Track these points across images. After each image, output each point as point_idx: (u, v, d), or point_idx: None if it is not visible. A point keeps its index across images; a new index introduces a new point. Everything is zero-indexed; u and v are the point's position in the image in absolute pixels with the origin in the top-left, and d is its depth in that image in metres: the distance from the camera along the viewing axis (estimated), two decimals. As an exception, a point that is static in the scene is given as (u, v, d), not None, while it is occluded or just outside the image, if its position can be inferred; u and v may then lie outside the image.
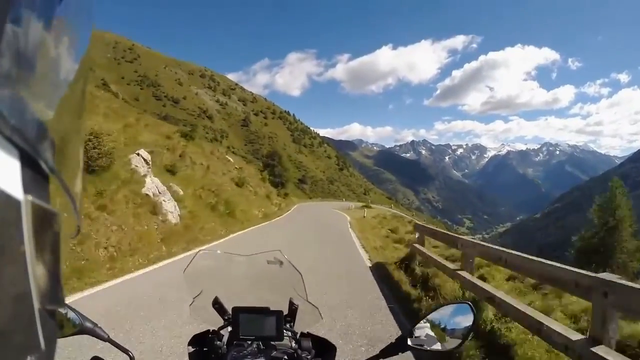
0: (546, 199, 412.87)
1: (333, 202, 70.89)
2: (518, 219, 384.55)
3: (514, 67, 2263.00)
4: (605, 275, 2.96)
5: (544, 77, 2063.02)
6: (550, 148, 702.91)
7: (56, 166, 0.28)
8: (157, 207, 12.85)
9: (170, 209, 13.50)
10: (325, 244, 13.09)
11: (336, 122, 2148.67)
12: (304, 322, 1.44)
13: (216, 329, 1.40)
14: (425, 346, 1.18)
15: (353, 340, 4.52)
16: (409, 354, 1.47)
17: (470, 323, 1.18)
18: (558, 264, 3.61)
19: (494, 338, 4.50)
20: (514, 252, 4.64)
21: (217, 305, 1.43)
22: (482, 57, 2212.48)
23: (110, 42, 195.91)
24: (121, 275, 7.91)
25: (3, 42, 0.22)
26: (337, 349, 1.39)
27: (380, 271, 8.61)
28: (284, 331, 1.33)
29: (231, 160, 37.78)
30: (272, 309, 1.30)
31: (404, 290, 6.96)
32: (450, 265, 6.63)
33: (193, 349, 1.39)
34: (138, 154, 14.62)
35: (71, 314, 1.16)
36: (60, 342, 0.40)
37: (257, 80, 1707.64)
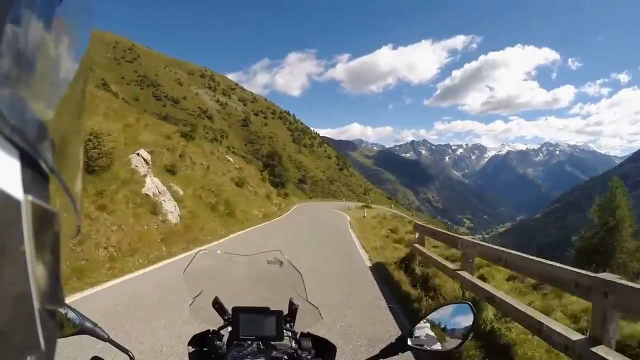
0: (546, 199, 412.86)
1: (333, 202, 70.84)
2: (518, 219, 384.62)
3: (514, 67, 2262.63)
4: (605, 275, 2.97)
5: (544, 77, 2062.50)
6: (550, 148, 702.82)
7: (56, 166, 0.28)
8: (157, 207, 12.85)
9: (170, 209, 13.51)
10: (325, 244, 13.10)
11: (336, 122, 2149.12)
12: (304, 322, 1.43)
13: (216, 329, 1.40)
14: (425, 346, 1.18)
15: (353, 340, 4.51)
16: (409, 354, 1.45)
17: (470, 323, 1.18)
18: (558, 264, 3.61)
19: (494, 338, 4.50)
20: (513, 252, 4.64)
21: (217, 305, 1.43)
22: (482, 57, 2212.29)
23: (110, 42, 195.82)
24: (121, 276, 7.91)
25: (3, 42, 0.22)
26: (337, 349, 1.38)
27: (380, 271, 8.62)
28: (284, 331, 1.33)
29: (231, 160, 37.79)
30: (272, 309, 1.30)
31: (404, 290, 6.96)
32: (450, 265, 6.64)
33: (193, 349, 1.39)
34: (138, 154, 14.63)
35: (71, 314, 1.16)
36: (60, 342, 0.40)
37: (257, 80, 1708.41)
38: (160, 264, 9.27)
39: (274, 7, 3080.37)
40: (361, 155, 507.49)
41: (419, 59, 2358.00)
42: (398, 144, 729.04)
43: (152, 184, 13.64)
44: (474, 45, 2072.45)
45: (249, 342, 1.32)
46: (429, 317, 1.22)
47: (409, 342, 1.18)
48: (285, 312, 1.38)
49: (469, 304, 1.21)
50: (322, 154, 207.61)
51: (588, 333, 3.07)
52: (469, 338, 1.37)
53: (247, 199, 26.65)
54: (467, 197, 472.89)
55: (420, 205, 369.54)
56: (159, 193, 13.65)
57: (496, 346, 4.29)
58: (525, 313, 3.89)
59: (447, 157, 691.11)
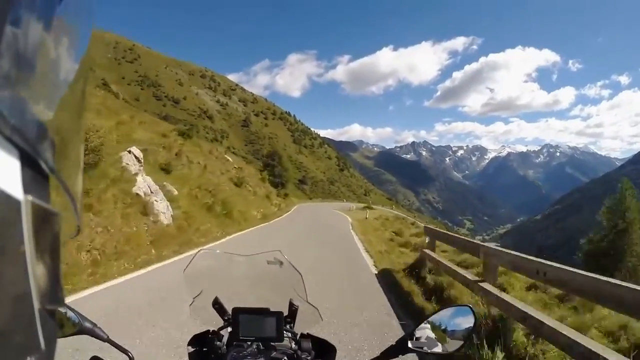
0: (546, 200, 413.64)
1: (333, 203, 70.21)
2: (518, 220, 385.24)
3: (515, 69, 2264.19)
4: None
5: (544, 78, 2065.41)
6: (551, 150, 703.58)
7: (56, 166, 0.28)
8: (148, 208, 12.10)
9: (163, 209, 12.75)
10: (327, 248, 12.32)
11: (336, 123, 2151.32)
12: (304, 323, 1.43)
13: (216, 329, 1.39)
14: (426, 348, 1.18)
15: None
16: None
17: (471, 325, 1.18)
18: (625, 283, 2.85)
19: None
20: (555, 264, 3.89)
21: (217, 305, 1.42)
22: (482, 59, 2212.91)
23: (111, 42, 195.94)
24: (103, 282, 7.16)
25: (3, 42, 0.22)
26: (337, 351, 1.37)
27: (387, 279, 7.85)
28: (284, 332, 1.33)
29: (230, 159, 37.01)
30: (272, 309, 1.31)
31: (417, 303, 6.19)
32: (469, 275, 5.89)
33: (193, 349, 1.38)
34: (129, 152, 13.88)
35: (70, 314, 1.17)
36: (60, 342, 0.40)
37: (258, 81, 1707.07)
38: (148, 268, 8.51)
39: (274, 8, 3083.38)
40: (361, 156, 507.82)
41: (420, 61, 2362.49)
42: (398, 145, 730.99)
43: (143, 183, 12.89)
44: (475, 47, 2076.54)
45: (249, 343, 1.32)
46: (430, 319, 1.21)
47: (410, 345, 1.18)
48: (285, 312, 1.38)
49: (469, 307, 1.21)
50: (322, 154, 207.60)
51: None
52: (470, 340, 1.39)
53: (245, 199, 25.87)
54: (467, 198, 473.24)
55: (420, 206, 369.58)
56: (151, 192, 12.90)
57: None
58: (564, 335, 3.24)
59: (447, 159, 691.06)
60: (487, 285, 5.21)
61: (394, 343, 1.19)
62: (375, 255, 10.61)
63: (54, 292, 0.28)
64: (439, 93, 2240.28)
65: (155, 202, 12.60)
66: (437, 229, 8.37)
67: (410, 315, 5.65)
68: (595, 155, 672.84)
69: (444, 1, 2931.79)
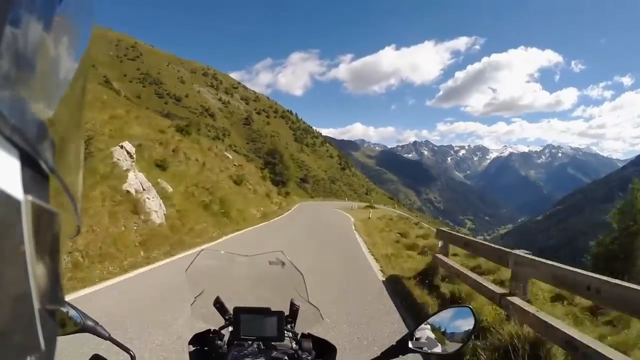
0: (548, 201, 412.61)
1: (335, 202, 69.42)
2: (519, 220, 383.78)
3: (517, 69, 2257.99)
4: None
5: (546, 79, 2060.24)
6: (553, 150, 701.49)
7: (56, 166, 0.28)
8: (138, 206, 11.36)
9: (155, 207, 12.02)
10: (329, 250, 11.61)
11: (338, 122, 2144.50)
12: (305, 323, 1.43)
13: (217, 329, 1.40)
14: (426, 349, 1.18)
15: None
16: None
17: (471, 327, 1.18)
18: None
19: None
20: (612, 280, 3.14)
21: (219, 305, 1.43)
22: (485, 59, 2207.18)
23: (113, 39, 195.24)
24: (82, 288, 6.47)
25: (3, 42, 0.22)
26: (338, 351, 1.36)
27: (396, 288, 7.06)
28: (285, 332, 1.33)
29: (230, 157, 36.23)
30: (273, 309, 1.30)
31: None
32: (495, 288, 5.14)
33: (194, 348, 1.38)
34: (122, 147, 13.14)
35: (72, 312, 1.17)
36: (61, 340, 0.40)
37: (260, 80, 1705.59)
38: (134, 272, 7.81)
39: (277, 7, 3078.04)
40: (363, 155, 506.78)
41: (422, 60, 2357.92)
42: (400, 144, 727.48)
43: (135, 180, 12.15)
44: (477, 47, 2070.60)
45: (250, 342, 1.32)
46: (430, 320, 1.22)
47: (410, 345, 1.18)
48: (287, 312, 1.37)
49: (470, 308, 1.22)
50: (324, 153, 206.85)
51: None
52: (470, 341, 1.30)
53: (245, 198, 25.14)
54: (468, 198, 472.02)
55: (422, 205, 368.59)
56: (143, 190, 12.17)
57: None
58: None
59: (449, 158, 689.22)
60: (517, 300, 4.48)
61: (394, 343, 1.19)
62: (381, 259, 9.81)
63: (54, 292, 0.28)
64: (441, 93, 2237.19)
65: (147, 199, 11.88)
66: (452, 232, 7.54)
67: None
68: (597, 156, 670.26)
69: (447, 1, 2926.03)
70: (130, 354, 1.24)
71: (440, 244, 7.51)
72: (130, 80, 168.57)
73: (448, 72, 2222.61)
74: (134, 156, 13.39)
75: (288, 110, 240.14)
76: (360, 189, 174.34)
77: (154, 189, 12.94)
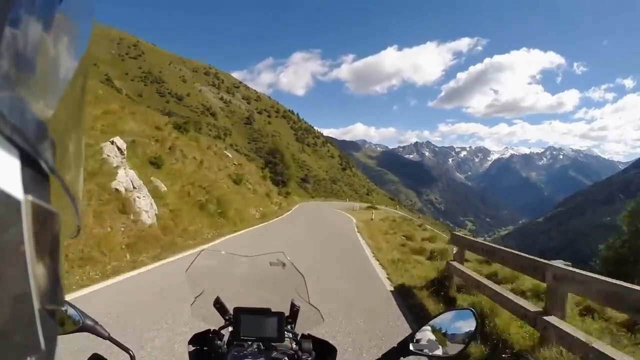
0: (549, 203, 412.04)
1: (336, 202, 68.63)
2: (520, 222, 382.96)
3: (519, 71, 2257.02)
4: None
5: (548, 81, 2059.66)
6: (554, 152, 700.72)
7: (56, 166, 0.28)
8: (128, 205, 10.61)
9: (146, 207, 11.28)
10: (331, 255, 10.82)
11: (340, 122, 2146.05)
12: (305, 324, 1.43)
13: (217, 329, 1.40)
14: (427, 351, 1.17)
15: None
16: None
17: (473, 329, 1.17)
18: None
19: None
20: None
21: (219, 305, 1.43)
22: (487, 60, 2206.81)
23: (115, 38, 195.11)
24: (55, 297, 5.70)
25: (3, 42, 0.22)
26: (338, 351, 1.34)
27: (408, 300, 6.28)
28: (285, 332, 1.32)
29: (229, 155, 35.49)
30: (273, 310, 1.30)
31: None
32: (525, 303, 4.40)
33: (193, 348, 1.38)
34: (112, 142, 12.38)
35: (72, 312, 1.17)
36: (61, 339, 0.40)
37: (262, 79, 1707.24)
38: (116, 279, 7.05)
39: (279, 7, 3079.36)
40: (364, 156, 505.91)
41: (424, 61, 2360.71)
42: (401, 145, 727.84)
43: (125, 178, 11.41)
44: (479, 48, 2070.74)
45: (250, 343, 1.31)
46: (431, 322, 1.21)
47: (411, 347, 1.18)
48: (287, 313, 1.37)
49: (471, 310, 1.21)
50: (325, 153, 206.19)
51: None
52: (471, 344, 1.26)
53: (243, 197, 24.40)
54: (469, 199, 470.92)
55: (422, 206, 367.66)
56: (134, 188, 11.43)
57: None
58: None
59: (450, 159, 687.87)
60: (553, 320, 3.76)
61: (395, 345, 1.18)
62: (388, 266, 9.03)
63: (54, 292, 0.28)
64: (443, 94, 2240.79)
65: (137, 198, 11.14)
66: (470, 237, 6.73)
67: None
68: (598, 159, 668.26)
69: (449, 2, 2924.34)
70: (129, 353, 1.23)
71: (455, 250, 6.76)
72: (131, 78, 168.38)
73: (450, 73, 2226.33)
74: (125, 152, 12.62)
75: (289, 110, 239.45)
76: (361, 189, 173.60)
77: (145, 187, 12.19)
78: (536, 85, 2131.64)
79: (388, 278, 7.94)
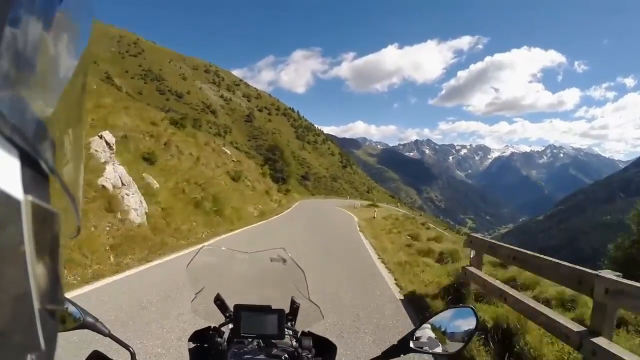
0: (549, 201, 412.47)
1: (336, 200, 67.86)
2: (520, 220, 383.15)
3: (520, 69, 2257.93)
4: None
5: (549, 79, 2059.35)
6: (555, 150, 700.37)
7: (56, 166, 0.28)
8: (115, 203, 9.90)
9: (135, 205, 10.57)
10: (333, 256, 10.06)
11: (340, 120, 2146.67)
12: (305, 321, 1.42)
13: (217, 326, 1.38)
14: (427, 348, 1.17)
15: None
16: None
17: (473, 327, 1.17)
18: None
19: None
20: None
21: (219, 302, 1.42)
22: (487, 58, 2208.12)
23: (115, 36, 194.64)
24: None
25: (3, 42, 0.22)
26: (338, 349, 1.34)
27: (421, 311, 5.53)
28: (285, 329, 1.31)
29: (228, 152, 34.72)
30: (273, 307, 1.29)
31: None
32: (567, 322, 3.69)
33: (193, 345, 1.37)
34: (101, 137, 11.66)
35: (72, 309, 1.17)
36: (61, 336, 0.40)
37: (262, 77, 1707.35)
38: (96, 284, 6.32)
39: (279, 5, 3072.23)
40: (365, 154, 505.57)
41: (425, 59, 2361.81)
42: (402, 143, 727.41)
43: (113, 174, 10.70)
44: (480, 46, 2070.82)
45: (250, 340, 1.31)
46: (431, 320, 1.20)
47: (411, 345, 1.17)
48: (287, 310, 1.36)
49: (471, 308, 1.20)
50: (325, 151, 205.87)
51: None
52: (471, 341, 1.24)
53: (242, 195, 23.66)
54: (470, 197, 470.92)
55: (422, 204, 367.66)
56: (122, 185, 10.73)
57: None
58: None
59: (450, 157, 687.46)
60: (607, 344, 3.07)
61: (395, 342, 1.17)
62: (395, 269, 8.28)
63: (54, 292, 0.28)
64: (443, 92, 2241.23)
65: (125, 196, 10.43)
66: (491, 240, 5.87)
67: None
68: (599, 157, 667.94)
69: (450, 0, 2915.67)
70: (130, 350, 1.24)
71: (472, 254, 6.04)
72: (132, 76, 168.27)
73: (451, 71, 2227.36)
74: (114, 147, 11.90)
75: (290, 108, 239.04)
76: (361, 187, 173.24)
77: (135, 184, 11.48)
78: (537, 83, 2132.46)
79: (396, 284, 7.19)
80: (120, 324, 4.51)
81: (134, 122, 19.61)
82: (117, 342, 1.23)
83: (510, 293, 4.63)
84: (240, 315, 1.27)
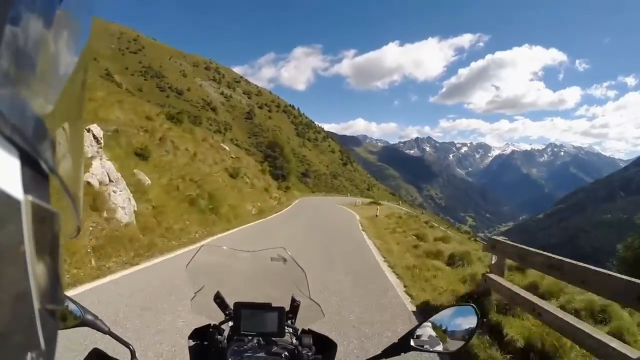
0: (549, 199, 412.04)
1: (337, 197, 67.25)
2: (521, 218, 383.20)
3: (521, 67, 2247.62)
4: None
5: (550, 77, 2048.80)
6: (555, 149, 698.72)
7: (56, 166, 0.28)
8: (100, 201, 9.21)
9: (122, 202, 9.87)
10: (334, 259, 9.30)
11: (341, 117, 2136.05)
12: (305, 319, 1.41)
13: (217, 324, 1.38)
14: (428, 347, 1.16)
15: None
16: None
17: (474, 325, 1.16)
18: None
19: None
20: None
21: (219, 299, 1.42)
22: (489, 56, 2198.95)
23: (115, 32, 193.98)
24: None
25: (3, 42, 0.22)
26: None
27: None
28: (285, 327, 1.31)
29: (227, 148, 34.02)
30: (274, 305, 1.29)
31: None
32: (621, 346, 3.00)
33: (193, 343, 1.37)
34: (88, 130, 10.95)
35: (72, 306, 1.16)
36: (61, 334, 0.40)
37: (263, 74, 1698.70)
38: (70, 293, 5.60)
39: (281, 2, 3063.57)
40: (365, 151, 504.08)
41: (426, 56, 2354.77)
42: (402, 140, 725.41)
43: (100, 170, 10.00)
44: (481, 44, 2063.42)
45: (250, 338, 1.31)
46: (432, 318, 1.19)
47: (412, 343, 1.16)
48: (287, 308, 1.36)
49: (472, 306, 1.18)
50: (326, 148, 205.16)
51: None
52: (472, 340, 1.21)
53: (240, 192, 22.97)
54: (470, 195, 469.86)
55: (423, 202, 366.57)
56: (110, 181, 10.03)
57: None
58: None
59: (451, 155, 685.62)
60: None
61: (396, 341, 1.16)
62: (404, 274, 7.55)
63: (54, 291, 0.28)
64: (444, 89, 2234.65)
65: (112, 193, 9.73)
66: (516, 244, 5.09)
67: None
68: (599, 156, 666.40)
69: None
70: (129, 348, 1.23)
71: (493, 259, 5.34)
72: (132, 73, 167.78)
73: (451, 69, 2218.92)
74: (102, 142, 11.19)
75: (290, 105, 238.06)
76: (361, 184, 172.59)
77: (124, 180, 10.77)
78: (538, 82, 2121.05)
79: (406, 292, 6.46)
80: (82, 346, 3.47)
81: (127, 116, 18.93)
82: (116, 339, 1.22)
83: (547, 308, 3.93)
84: (241, 312, 1.27)
